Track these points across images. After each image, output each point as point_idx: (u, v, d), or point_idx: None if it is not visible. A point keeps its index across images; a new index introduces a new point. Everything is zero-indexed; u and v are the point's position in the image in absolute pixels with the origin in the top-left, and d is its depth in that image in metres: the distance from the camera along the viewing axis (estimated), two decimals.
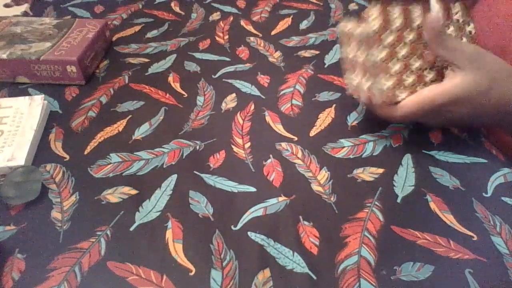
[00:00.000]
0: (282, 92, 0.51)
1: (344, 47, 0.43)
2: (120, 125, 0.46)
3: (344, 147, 0.43)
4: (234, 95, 0.50)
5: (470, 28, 0.40)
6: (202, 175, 0.40)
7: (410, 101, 0.38)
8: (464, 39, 0.40)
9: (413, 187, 0.38)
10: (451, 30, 0.39)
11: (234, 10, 0.70)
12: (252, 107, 0.48)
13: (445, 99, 0.36)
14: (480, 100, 0.36)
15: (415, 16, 0.38)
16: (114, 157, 0.41)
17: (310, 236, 0.34)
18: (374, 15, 0.38)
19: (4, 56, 0.49)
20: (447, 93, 0.36)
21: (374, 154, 0.42)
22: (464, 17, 0.40)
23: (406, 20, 0.38)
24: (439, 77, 0.39)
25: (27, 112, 0.44)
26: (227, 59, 0.57)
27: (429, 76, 0.39)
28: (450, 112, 0.38)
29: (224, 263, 0.32)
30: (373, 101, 0.40)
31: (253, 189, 0.38)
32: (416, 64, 0.39)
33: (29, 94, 0.50)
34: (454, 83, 0.36)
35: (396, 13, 0.38)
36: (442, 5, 0.38)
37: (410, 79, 0.39)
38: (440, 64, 0.39)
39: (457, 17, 0.39)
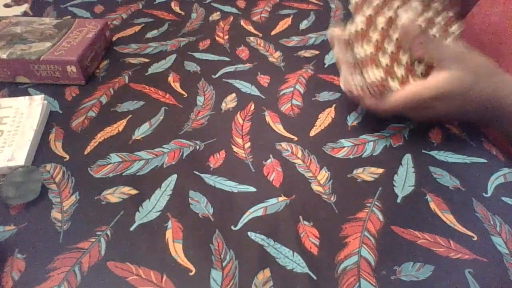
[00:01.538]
0: (282, 92, 0.51)
1: (335, 49, 0.44)
2: (120, 125, 0.46)
3: (344, 147, 0.43)
4: (234, 95, 0.50)
5: (454, 29, 0.40)
6: (202, 175, 0.40)
7: (397, 94, 0.39)
8: (449, 39, 0.40)
9: (413, 187, 0.38)
10: (434, 30, 0.40)
11: (234, 10, 0.70)
12: (252, 107, 0.48)
13: (431, 94, 0.38)
14: (463, 97, 0.38)
15: (393, 15, 0.39)
16: (114, 157, 0.41)
17: (310, 236, 0.34)
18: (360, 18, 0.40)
19: (4, 56, 0.49)
20: (433, 88, 0.38)
21: (374, 154, 0.42)
22: (446, 18, 0.41)
23: (391, 19, 0.39)
24: (429, 69, 0.40)
25: (27, 112, 0.44)
26: (227, 59, 0.57)
27: (419, 68, 0.40)
28: (434, 107, 0.39)
29: (224, 263, 0.32)
30: (359, 93, 0.42)
31: (253, 189, 0.38)
32: (405, 58, 0.40)
33: (29, 94, 0.50)
34: (439, 79, 0.38)
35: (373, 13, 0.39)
36: (415, 10, 0.39)
37: (400, 71, 0.40)
38: (430, 60, 0.40)
39: (440, 20, 0.40)
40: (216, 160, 0.41)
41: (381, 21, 0.39)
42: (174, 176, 0.39)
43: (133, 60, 0.57)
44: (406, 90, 0.39)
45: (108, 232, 0.34)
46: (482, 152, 0.42)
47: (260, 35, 0.63)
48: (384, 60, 0.40)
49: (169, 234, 0.34)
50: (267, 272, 0.31)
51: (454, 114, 0.41)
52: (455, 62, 0.37)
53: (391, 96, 0.40)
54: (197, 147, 0.43)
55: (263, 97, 0.50)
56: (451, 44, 0.39)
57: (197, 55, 0.58)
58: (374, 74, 0.40)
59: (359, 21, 0.40)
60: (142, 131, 0.45)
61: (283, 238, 0.34)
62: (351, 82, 0.43)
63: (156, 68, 0.55)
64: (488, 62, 0.38)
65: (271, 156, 0.42)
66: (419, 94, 0.38)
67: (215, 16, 0.68)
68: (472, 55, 0.38)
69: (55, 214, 0.36)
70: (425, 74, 0.40)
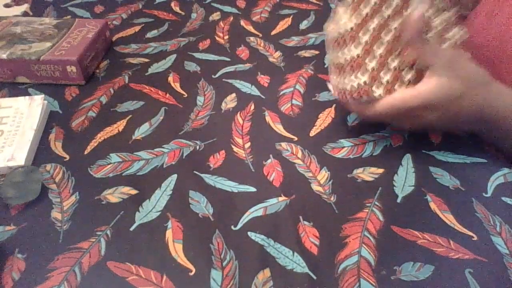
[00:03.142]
0: (282, 92, 0.51)
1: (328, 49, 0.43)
2: (120, 125, 0.46)
3: (344, 147, 0.43)
4: (234, 95, 0.50)
5: (451, 34, 0.38)
6: (202, 175, 0.40)
7: (383, 101, 0.38)
8: (445, 45, 0.38)
9: (413, 187, 0.38)
10: (430, 34, 0.38)
11: (234, 10, 0.70)
12: (252, 107, 0.48)
13: (418, 103, 0.36)
14: (452, 107, 0.36)
15: (391, 14, 0.37)
16: (114, 157, 0.41)
17: (310, 236, 0.34)
18: (346, 15, 0.38)
19: (4, 56, 0.49)
20: (420, 97, 0.36)
21: (374, 154, 0.42)
22: (445, 24, 0.38)
23: (383, 20, 0.37)
24: (419, 77, 0.38)
25: (27, 112, 0.44)
26: (227, 59, 0.57)
27: (408, 76, 0.38)
28: (422, 116, 0.37)
29: (224, 263, 0.32)
30: (344, 98, 0.41)
31: (253, 189, 0.38)
32: (394, 63, 0.38)
33: (29, 94, 0.50)
34: (428, 87, 0.36)
35: (369, 12, 0.37)
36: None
37: (387, 77, 0.38)
38: (421, 65, 0.38)
39: (436, 24, 0.38)
40: (216, 160, 0.41)
41: (373, 22, 0.38)
42: (174, 176, 0.39)
43: (133, 60, 0.57)
44: (393, 98, 0.37)
45: (108, 232, 0.34)
46: (482, 152, 0.42)
47: (260, 35, 0.63)
48: (371, 64, 0.38)
49: (169, 234, 0.34)
50: (267, 272, 0.31)
51: (443, 124, 0.39)
52: (446, 69, 0.36)
53: (377, 103, 0.38)
54: (197, 147, 0.43)
55: (263, 97, 0.50)
56: (445, 49, 0.37)
57: (197, 55, 0.58)
58: (359, 79, 0.38)
59: (345, 20, 0.38)
60: (142, 131, 0.45)
61: (283, 238, 0.34)
62: (339, 86, 0.41)
63: (156, 68, 0.55)
64: (480, 71, 0.37)
65: (271, 156, 0.42)
66: (406, 103, 0.36)
67: (215, 16, 0.68)
68: (464, 63, 0.37)
69: (55, 214, 0.36)
70: (414, 82, 0.38)
